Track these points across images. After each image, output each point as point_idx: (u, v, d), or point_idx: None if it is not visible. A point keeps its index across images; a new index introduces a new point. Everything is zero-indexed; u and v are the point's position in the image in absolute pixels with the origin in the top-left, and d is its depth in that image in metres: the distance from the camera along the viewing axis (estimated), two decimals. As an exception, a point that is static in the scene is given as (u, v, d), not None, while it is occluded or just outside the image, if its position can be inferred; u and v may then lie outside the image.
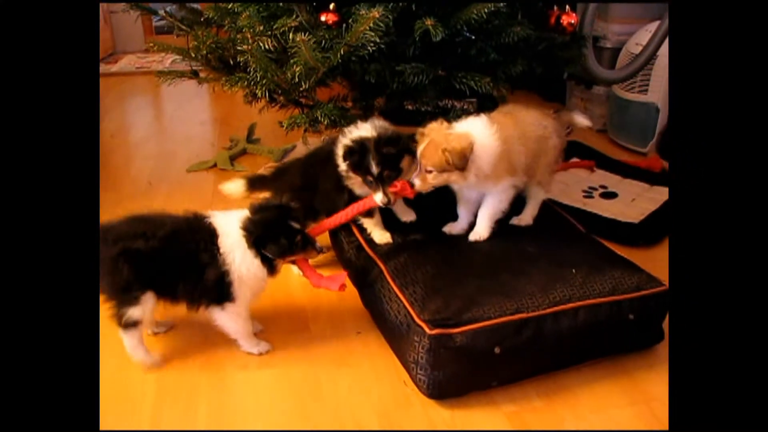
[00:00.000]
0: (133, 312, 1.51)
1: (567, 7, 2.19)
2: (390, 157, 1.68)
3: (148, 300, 1.53)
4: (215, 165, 2.88)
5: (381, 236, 1.81)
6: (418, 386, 1.48)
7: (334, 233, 1.97)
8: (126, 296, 1.51)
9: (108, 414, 1.44)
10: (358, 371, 1.59)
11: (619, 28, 3.13)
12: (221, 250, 1.53)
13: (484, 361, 1.45)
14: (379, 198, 1.69)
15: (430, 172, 1.65)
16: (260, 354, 1.65)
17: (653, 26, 2.76)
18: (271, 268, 1.57)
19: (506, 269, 1.63)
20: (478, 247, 1.75)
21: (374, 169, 1.68)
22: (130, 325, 1.53)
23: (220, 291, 1.54)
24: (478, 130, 1.68)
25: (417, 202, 1.86)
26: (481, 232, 1.78)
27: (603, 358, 1.60)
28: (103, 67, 4.83)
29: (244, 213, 1.58)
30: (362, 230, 1.85)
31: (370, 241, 1.81)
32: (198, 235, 1.54)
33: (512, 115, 1.80)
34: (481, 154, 1.65)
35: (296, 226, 1.56)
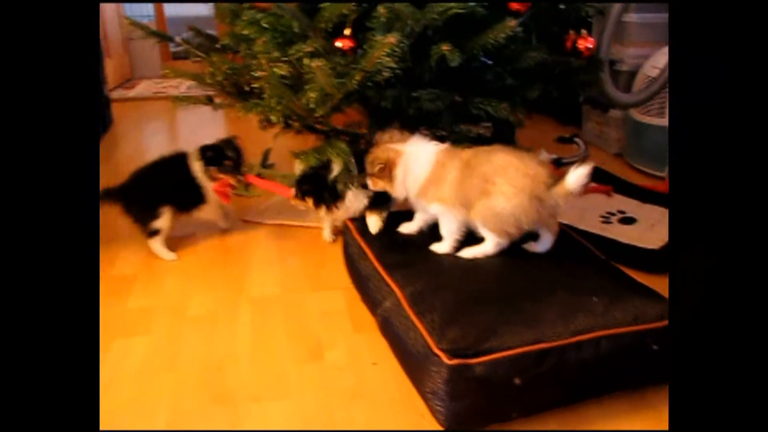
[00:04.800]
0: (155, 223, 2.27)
1: (583, 31, 2.19)
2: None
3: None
4: (230, 190, 2.87)
5: (374, 225, 1.99)
6: (435, 418, 1.44)
7: (351, 260, 1.96)
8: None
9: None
10: (373, 403, 1.55)
11: (636, 51, 3.12)
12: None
13: (504, 392, 1.41)
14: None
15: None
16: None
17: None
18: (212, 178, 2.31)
19: (525, 297, 1.59)
20: (496, 274, 1.72)
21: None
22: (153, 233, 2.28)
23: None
24: (419, 151, 1.79)
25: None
26: (441, 245, 1.83)
27: (626, 390, 1.55)
28: (120, 93, 4.89)
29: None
30: (380, 257, 1.83)
31: (388, 267, 1.78)
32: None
33: (481, 151, 1.76)
34: (410, 171, 1.77)
35: (230, 154, 2.30)
